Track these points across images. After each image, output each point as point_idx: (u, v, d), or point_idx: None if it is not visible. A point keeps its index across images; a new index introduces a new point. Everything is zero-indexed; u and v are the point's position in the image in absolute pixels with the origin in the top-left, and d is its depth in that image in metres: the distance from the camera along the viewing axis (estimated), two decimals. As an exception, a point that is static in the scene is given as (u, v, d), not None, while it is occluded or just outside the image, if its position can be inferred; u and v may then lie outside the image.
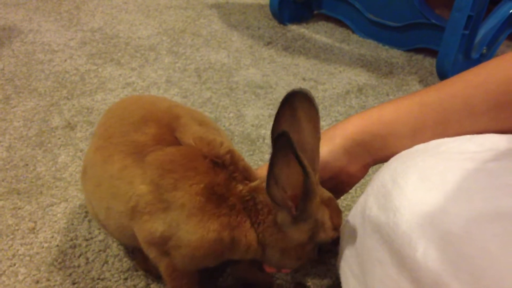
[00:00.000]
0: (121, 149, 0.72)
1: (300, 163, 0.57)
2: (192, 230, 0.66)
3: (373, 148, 0.74)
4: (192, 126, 0.75)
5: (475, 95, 0.68)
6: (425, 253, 0.53)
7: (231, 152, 0.71)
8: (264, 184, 0.64)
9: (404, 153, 0.68)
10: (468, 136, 0.67)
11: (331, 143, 0.74)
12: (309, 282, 0.89)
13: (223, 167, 0.70)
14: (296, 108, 0.66)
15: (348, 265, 0.69)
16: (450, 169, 0.58)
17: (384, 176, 0.64)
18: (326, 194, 0.70)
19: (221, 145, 0.71)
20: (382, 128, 0.72)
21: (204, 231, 0.67)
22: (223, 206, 0.67)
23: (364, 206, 0.65)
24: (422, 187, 0.58)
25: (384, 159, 0.73)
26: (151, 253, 0.72)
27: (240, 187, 0.69)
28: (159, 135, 0.72)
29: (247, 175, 0.71)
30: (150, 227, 0.69)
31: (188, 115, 0.77)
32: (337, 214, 0.69)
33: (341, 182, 0.77)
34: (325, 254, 0.73)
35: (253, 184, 0.70)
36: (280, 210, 0.66)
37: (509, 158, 0.59)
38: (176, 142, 0.72)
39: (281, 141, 0.57)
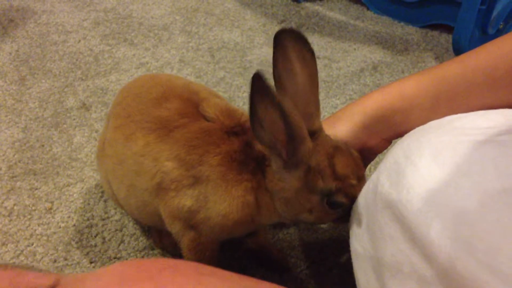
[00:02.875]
0: (143, 126, 0.73)
1: (277, 105, 0.56)
2: (220, 200, 0.68)
3: (394, 123, 0.73)
4: (212, 99, 0.76)
5: (498, 67, 0.67)
6: (439, 231, 0.53)
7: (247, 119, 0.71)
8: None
9: (417, 129, 0.68)
10: (481, 112, 0.66)
11: (351, 121, 0.73)
12: (321, 248, 0.90)
13: (240, 134, 0.71)
14: (286, 47, 0.64)
15: (360, 242, 0.69)
16: (463, 145, 0.58)
17: (397, 153, 0.64)
18: (333, 142, 0.68)
19: (242, 115, 0.73)
20: (403, 103, 0.72)
21: (231, 199, 0.68)
22: (244, 171, 0.69)
23: (376, 183, 0.65)
24: (435, 164, 0.58)
25: (405, 132, 0.71)
26: (175, 228, 0.73)
27: (256, 149, 0.70)
28: (182, 109, 0.72)
29: None
30: (177, 203, 0.70)
31: (205, 90, 0.79)
32: (343, 163, 0.67)
33: (365, 157, 0.77)
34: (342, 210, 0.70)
35: None
36: (272, 156, 0.66)
37: None
38: (199, 115, 0.73)
39: (257, 82, 0.56)
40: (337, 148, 0.67)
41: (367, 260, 0.66)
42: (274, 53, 0.64)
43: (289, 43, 0.64)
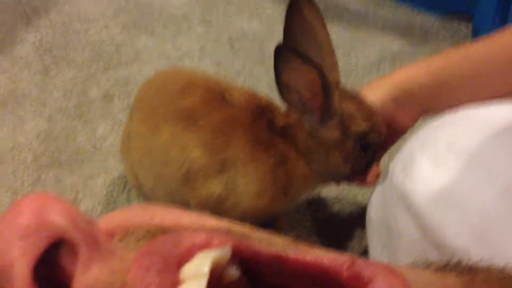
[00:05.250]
0: (168, 117, 0.75)
1: (311, 63, 0.61)
2: (249, 180, 0.71)
3: (421, 98, 0.74)
4: (234, 87, 0.79)
5: None
6: (453, 222, 0.55)
7: (271, 101, 0.76)
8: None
9: (433, 123, 0.70)
10: (495, 103, 0.68)
11: (378, 91, 0.75)
12: (337, 245, 0.92)
13: (264, 114, 0.74)
14: (302, 10, 0.68)
15: (375, 231, 0.72)
16: (477, 136, 0.60)
17: (413, 145, 0.66)
18: (348, 90, 0.72)
19: (263, 98, 0.77)
20: (430, 78, 0.73)
21: (261, 176, 0.71)
22: (270, 147, 0.72)
23: (391, 174, 0.67)
24: (450, 156, 0.60)
25: (432, 109, 0.75)
26: None
27: (280, 124, 0.73)
28: (206, 98, 0.75)
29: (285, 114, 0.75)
30: (206, 191, 0.72)
31: (223, 80, 0.82)
32: (365, 105, 0.71)
33: (390, 130, 0.78)
34: (374, 150, 0.73)
35: (286, 113, 0.74)
36: (304, 116, 0.69)
37: None
38: (223, 103, 0.75)
39: (281, 52, 0.61)
40: (354, 95, 0.72)
41: (383, 249, 0.69)
42: (288, 18, 0.68)
43: (305, 6, 0.68)
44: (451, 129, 0.64)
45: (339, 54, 1.46)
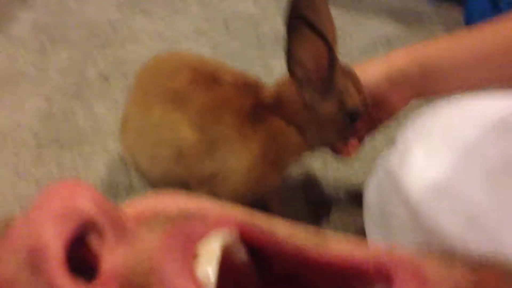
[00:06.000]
0: (159, 99, 0.77)
1: (321, 35, 0.62)
2: (239, 156, 0.73)
3: (414, 80, 0.76)
4: (225, 67, 0.81)
5: None
6: (447, 211, 0.58)
7: (258, 80, 0.79)
8: (284, 82, 0.73)
9: (428, 111, 0.72)
10: (489, 95, 0.70)
11: (373, 70, 0.76)
12: (333, 230, 0.95)
13: (250, 91, 0.76)
14: None
15: (372, 214, 0.75)
16: (470, 127, 0.62)
17: (408, 134, 0.69)
18: (345, 66, 0.74)
19: (253, 78, 0.79)
20: (424, 61, 0.74)
21: (249, 152, 0.73)
22: (259, 121, 0.73)
23: (387, 163, 0.70)
24: (444, 147, 0.62)
25: (424, 93, 0.76)
26: (202, 193, 0.78)
27: (269, 99, 0.75)
28: (194, 78, 0.76)
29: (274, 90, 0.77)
30: (198, 169, 0.74)
31: (214, 61, 0.84)
32: (358, 81, 0.73)
33: (380, 109, 0.80)
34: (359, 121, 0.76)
35: (275, 87, 0.76)
36: (305, 88, 0.71)
37: None
38: (213, 83, 0.76)
39: (295, 20, 0.62)
40: (349, 69, 0.74)
41: (379, 233, 0.72)
42: None
43: None
44: (446, 120, 0.66)
45: (333, 36, 1.48)
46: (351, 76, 0.73)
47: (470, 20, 1.49)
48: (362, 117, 0.76)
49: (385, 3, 1.70)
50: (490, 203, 0.56)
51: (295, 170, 1.06)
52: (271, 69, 1.35)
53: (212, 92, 0.75)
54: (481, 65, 0.72)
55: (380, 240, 0.72)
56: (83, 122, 1.14)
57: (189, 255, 0.25)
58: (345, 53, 1.42)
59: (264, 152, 0.73)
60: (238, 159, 0.73)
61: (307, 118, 0.73)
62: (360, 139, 0.83)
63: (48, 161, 1.04)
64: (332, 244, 0.28)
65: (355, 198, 0.99)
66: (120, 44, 1.43)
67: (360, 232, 0.79)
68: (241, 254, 0.28)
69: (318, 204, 0.99)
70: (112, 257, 0.25)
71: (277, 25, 1.55)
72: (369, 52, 1.44)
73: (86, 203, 0.25)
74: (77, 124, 1.14)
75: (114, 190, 0.98)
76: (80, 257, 0.26)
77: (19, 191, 0.97)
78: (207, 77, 0.77)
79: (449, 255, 0.26)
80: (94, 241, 0.26)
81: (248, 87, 0.76)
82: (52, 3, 1.61)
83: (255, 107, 0.74)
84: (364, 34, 1.53)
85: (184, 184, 0.79)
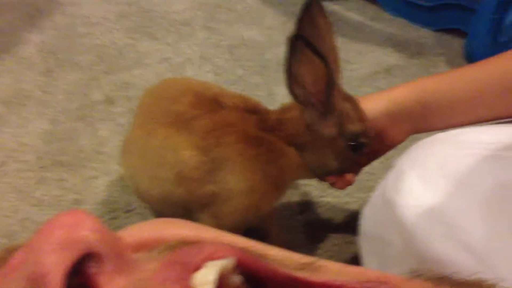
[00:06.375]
0: (162, 121, 0.78)
1: (321, 57, 0.64)
2: (240, 178, 0.74)
3: (414, 116, 0.78)
4: (226, 91, 0.83)
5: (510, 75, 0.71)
6: (439, 236, 0.59)
7: (260, 103, 0.81)
8: (289, 105, 0.75)
9: (424, 141, 0.73)
10: (485, 127, 0.72)
11: (374, 104, 0.78)
12: (329, 256, 0.95)
13: (252, 113, 0.77)
14: (315, 16, 0.72)
15: (368, 241, 0.76)
16: (466, 158, 0.64)
17: (404, 163, 0.70)
18: (346, 93, 0.76)
19: (255, 101, 0.81)
20: (424, 96, 0.76)
21: (250, 173, 0.74)
22: (261, 144, 0.75)
23: (384, 189, 0.71)
24: (439, 175, 0.63)
25: (424, 128, 0.79)
26: (203, 217, 0.79)
27: (270, 121, 0.76)
28: (197, 102, 0.78)
29: (276, 112, 0.79)
30: (202, 191, 0.75)
31: (217, 86, 0.86)
32: (360, 108, 0.75)
33: (379, 143, 0.82)
34: (361, 153, 0.77)
35: (278, 110, 0.78)
36: (306, 109, 0.73)
37: None
38: (215, 107, 0.78)
39: (297, 42, 0.64)
40: (349, 96, 0.76)
41: (374, 259, 0.72)
42: (302, 19, 0.71)
43: (317, 11, 0.72)
44: (441, 149, 0.67)
45: (336, 65, 1.50)
46: (352, 102, 0.74)
47: (470, 52, 1.51)
48: (366, 150, 0.77)
49: (387, 33, 1.72)
50: (483, 231, 0.56)
51: (293, 195, 1.06)
52: (274, 96, 1.37)
53: (214, 115, 0.76)
54: (480, 101, 0.73)
55: (375, 267, 0.73)
56: (86, 145, 1.16)
57: (185, 286, 0.26)
58: (345, 82, 1.43)
59: (265, 174, 0.75)
60: (240, 180, 0.74)
61: (308, 140, 0.75)
62: (356, 172, 0.84)
63: (50, 183, 1.05)
64: (326, 271, 0.29)
65: (352, 224, 1.00)
66: (126, 68, 1.46)
67: (355, 258, 0.79)
68: (237, 282, 0.29)
69: (315, 230, 1.00)
70: (111, 286, 0.26)
71: (281, 52, 1.56)
72: (370, 81, 1.46)
73: (87, 233, 0.27)
74: (80, 146, 1.15)
75: (114, 213, 0.99)
76: (80, 285, 0.27)
77: (21, 212, 0.98)
78: (210, 101, 0.78)
79: (438, 276, 0.27)
80: (94, 270, 0.27)
81: (250, 110, 0.78)
82: (61, 26, 1.64)
83: (257, 129, 0.75)
84: (365, 63, 1.55)
85: (184, 207, 0.80)
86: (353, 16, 1.83)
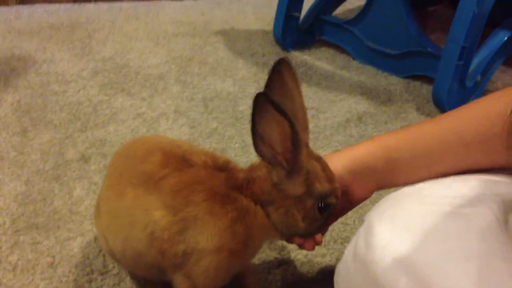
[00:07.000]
0: (131, 182, 0.79)
1: (285, 115, 0.65)
2: (208, 237, 0.74)
3: (376, 172, 0.80)
4: (195, 148, 0.84)
5: (468, 128, 0.74)
6: (405, 285, 0.60)
7: (229, 161, 0.81)
8: (257, 164, 0.76)
9: (392, 195, 0.75)
10: (448, 181, 0.74)
11: (337, 162, 0.80)
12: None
13: (220, 171, 0.78)
14: (283, 74, 0.74)
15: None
16: (431, 214, 0.66)
17: (373, 217, 0.72)
18: (315, 153, 0.76)
19: (224, 158, 0.82)
20: (385, 153, 0.79)
21: (218, 232, 0.74)
22: (228, 202, 0.75)
23: (355, 245, 0.72)
24: (406, 230, 0.65)
25: (387, 184, 0.81)
26: (176, 277, 0.79)
27: (238, 179, 0.77)
28: (165, 161, 0.79)
29: (244, 171, 0.79)
30: (173, 251, 0.75)
31: (188, 144, 0.87)
32: (328, 168, 0.75)
33: (344, 200, 0.83)
34: (329, 214, 0.78)
35: (247, 169, 0.78)
36: (273, 168, 0.73)
37: (482, 203, 0.66)
38: (183, 165, 0.79)
39: (261, 100, 0.64)
40: (319, 157, 0.76)
41: None
42: (271, 79, 0.73)
43: (286, 70, 0.74)
44: (408, 205, 0.70)
45: (308, 114, 1.53)
46: (321, 162, 0.75)
47: (438, 97, 1.55)
48: (334, 211, 0.78)
49: (357, 81, 1.77)
50: (448, 284, 0.58)
51: (271, 248, 1.07)
52: (248, 148, 1.39)
53: (182, 173, 0.77)
54: (440, 157, 0.76)
55: None
56: (61, 205, 1.16)
57: None
58: (318, 131, 1.47)
59: (233, 232, 0.75)
60: (208, 239, 0.74)
61: (275, 199, 0.75)
62: (323, 232, 0.85)
63: (25, 247, 1.05)
64: None
65: (329, 278, 1.00)
66: (101, 125, 1.47)
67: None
68: None
69: (292, 284, 1.00)
70: None
71: (254, 104, 1.60)
72: (342, 129, 1.49)
73: None
74: (55, 208, 1.15)
75: (89, 276, 0.98)
76: None
77: (-6, 277, 0.97)
78: (178, 159, 0.79)
79: None
80: None
81: (219, 168, 0.79)
82: (35, 85, 1.66)
83: (225, 187, 0.76)
84: (337, 112, 1.59)
85: (157, 267, 0.80)
86: (323, 65, 1.88)
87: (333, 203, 0.76)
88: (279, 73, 0.73)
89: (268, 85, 0.73)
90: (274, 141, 0.69)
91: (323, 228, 0.80)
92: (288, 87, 0.74)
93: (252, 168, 0.78)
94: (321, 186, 0.74)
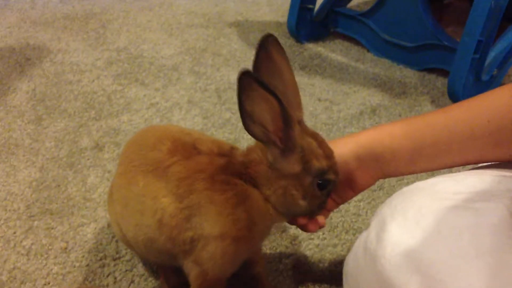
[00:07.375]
0: (142, 169, 0.80)
1: (270, 92, 0.63)
2: (211, 223, 0.74)
3: (382, 160, 0.79)
4: (204, 137, 0.84)
5: (478, 119, 0.73)
6: (416, 285, 0.59)
7: (234, 147, 0.80)
8: (253, 146, 0.75)
9: (405, 190, 0.75)
10: (461, 176, 0.73)
11: (344, 148, 0.79)
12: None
13: (222, 158, 0.77)
14: (271, 51, 0.72)
15: (351, 288, 0.76)
16: (443, 210, 0.65)
17: (385, 212, 0.71)
18: (310, 130, 0.75)
19: (230, 145, 0.81)
20: (392, 141, 0.78)
21: (220, 219, 0.74)
22: (228, 189, 0.75)
23: (366, 239, 0.72)
24: (418, 226, 0.65)
25: (391, 173, 0.80)
26: (187, 263, 0.79)
27: (237, 164, 0.76)
28: (173, 148, 0.79)
29: (243, 154, 0.78)
30: (182, 238, 0.76)
31: (198, 132, 0.87)
32: (325, 145, 0.75)
33: (348, 187, 0.83)
34: (329, 191, 0.77)
35: (243, 152, 0.78)
36: (268, 148, 0.72)
37: (495, 199, 0.65)
38: (192, 153, 0.79)
39: (244, 78, 0.62)
40: (315, 133, 0.75)
41: None
42: (258, 56, 0.71)
43: (273, 47, 0.72)
44: (420, 200, 0.69)
45: (322, 106, 1.53)
46: (317, 138, 0.74)
47: (454, 90, 1.54)
48: (335, 188, 0.78)
49: (372, 73, 1.76)
50: (459, 283, 0.58)
51: (282, 238, 1.07)
52: (261, 138, 1.39)
53: (188, 161, 0.77)
54: (446, 148, 0.75)
55: None
56: (75, 192, 1.17)
57: None
58: (331, 123, 1.46)
59: (234, 219, 0.75)
60: (213, 226, 0.74)
61: (272, 179, 0.75)
62: (326, 215, 0.85)
63: (39, 232, 1.06)
64: None
65: (340, 268, 1.00)
66: (115, 114, 1.48)
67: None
68: None
69: (303, 274, 1.00)
70: None
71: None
72: (355, 122, 1.49)
73: None
74: (69, 194, 1.16)
75: (102, 261, 0.99)
76: None
77: (9, 262, 0.98)
78: (187, 147, 0.80)
79: None
80: None
81: (222, 155, 0.78)
82: (50, 74, 1.67)
83: (224, 173, 0.76)
84: (351, 104, 1.58)
85: (168, 253, 0.80)
86: (338, 57, 1.88)
87: (332, 179, 0.75)
88: (266, 50, 0.72)
89: (255, 63, 0.72)
90: (264, 119, 0.67)
91: (324, 206, 0.79)
92: (276, 64, 0.73)
93: (248, 151, 0.78)
94: (318, 163, 0.73)
